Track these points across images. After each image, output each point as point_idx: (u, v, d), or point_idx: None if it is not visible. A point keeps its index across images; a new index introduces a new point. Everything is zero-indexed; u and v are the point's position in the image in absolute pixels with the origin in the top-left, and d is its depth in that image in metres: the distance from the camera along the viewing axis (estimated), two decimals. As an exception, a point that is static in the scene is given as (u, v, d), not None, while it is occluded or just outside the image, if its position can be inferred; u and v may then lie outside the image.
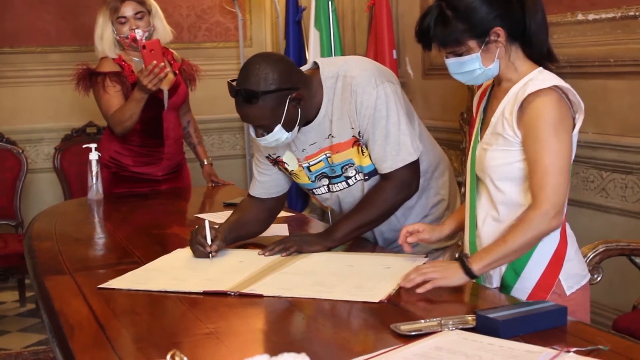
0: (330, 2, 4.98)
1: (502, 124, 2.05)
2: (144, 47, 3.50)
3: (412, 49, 4.88)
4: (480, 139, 2.15)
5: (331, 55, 4.90)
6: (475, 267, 1.99)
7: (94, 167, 3.57)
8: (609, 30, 3.48)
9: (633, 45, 3.36)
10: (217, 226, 2.51)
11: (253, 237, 2.62)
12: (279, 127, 2.32)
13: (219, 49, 5.65)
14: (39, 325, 4.57)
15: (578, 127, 2.06)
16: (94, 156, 3.58)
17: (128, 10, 3.66)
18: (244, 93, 2.27)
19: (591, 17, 3.54)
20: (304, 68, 2.48)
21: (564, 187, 1.99)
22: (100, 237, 3.02)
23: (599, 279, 2.55)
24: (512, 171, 2.06)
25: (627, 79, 3.40)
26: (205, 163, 4.03)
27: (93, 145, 3.60)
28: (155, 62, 3.47)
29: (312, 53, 5.02)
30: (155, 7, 3.78)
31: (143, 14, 3.69)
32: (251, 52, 5.56)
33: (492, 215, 2.12)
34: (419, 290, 1.97)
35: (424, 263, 2.19)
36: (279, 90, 2.28)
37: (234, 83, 2.32)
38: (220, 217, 3.06)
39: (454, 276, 2.00)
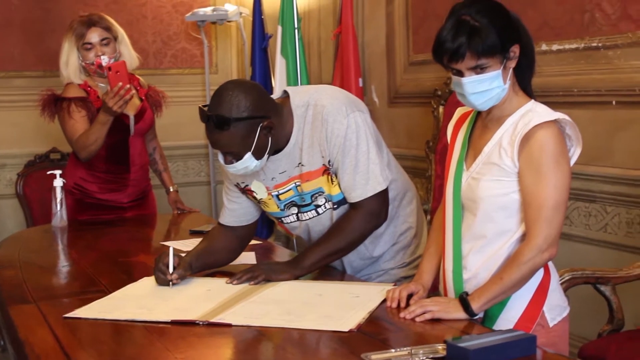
0: (296, 30, 5.00)
1: (499, 154, 2.06)
2: (109, 68, 3.48)
3: (378, 77, 4.91)
4: (467, 168, 2.15)
5: (297, 83, 4.92)
6: (475, 305, 2.01)
7: (59, 194, 3.53)
8: (572, 61, 3.53)
9: (596, 75, 3.41)
10: (183, 254, 2.49)
11: (221, 266, 2.60)
12: (248, 155, 2.32)
13: (184, 75, 5.64)
14: (3, 356, 4.49)
15: (574, 160, 2.08)
16: (58, 183, 3.54)
17: (94, 36, 3.64)
18: (215, 119, 2.26)
19: (555, 47, 3.60)
20: (274, 96, 2.49)
21: (558, 220, 2.01)
22: (65, 265, 2.98)
23: (569, 309, 2.56)
24: (506, 201, 2.07)
25: (591, 109, 3.45)
26: (171, 190, 4.00)
27: (58, 172, 3.56)
28: (120, 83, 3.45)
29: (278, 80, 5.04)
30: (122, 34, 3.77)
31: (109, 40, 3.67)
32: (217, 78, 5.61)
33: (479, 245, 2.12)
34: (418, 320, 1.99)
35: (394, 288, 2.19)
36: (251, 118, 2.28)
37: (206, 108, 2.31)
38: (186, 244, 3.05)
39: (455, 312, 2.01)
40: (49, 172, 3.60)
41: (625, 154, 3.32)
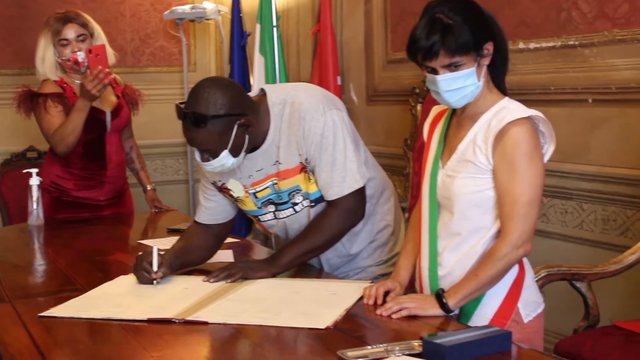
0: (275, 28, 5.00)
1: (474, 151, 2.06)
2: (89, 51, 3.46)
3: (356, 75, 4.92)
4: (442, 166, 2.16)
5: (276, 81, 4.92)
6: (451, 302, 2.01)
7: (35, 192, 3.51)
8: (549, 59, 3.55)
9: (572, 73, 3.43)
10: (162, 252, 2.49)
11: (199, 264, 2.59)
12: (225, 153, 2.31)
13: (162, 73, 5.61)
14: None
15: (548, 157, 2.09)
16: (34, 181, 3.51)
17: (70, 32, 3.62)
18: (192, 116, 2.25)
19: (532, 45, 3.62)
20: (251, 94, 2.48)
21: (532, 216, 2.01)
22: (41, 264, 2.96)
23: (544, 305, 2.58)
24: (481, 199, 2.07)
25: (567, 107, 3.47)
26: (149, 188, 3.98)
27: (34, 170, 3.54)
28: (100, 67, 3.43)
29: (257, 78, 5.03)
30: (98, 30, 3.74)
31: (85, 37, 3.65)
32: (195, 76, 5.58)
33: (455, 243, 2.13)
34: (395, 317, 2.00)
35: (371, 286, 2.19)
36: (228, 115, 2.27)
37: (182, 106, 2.30)
38: (164, 243, 3.03)
39: (431, 309, 2.02)
40: (25, 171, 3.57)
41: (601, 152, 3.35)
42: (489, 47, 2.03)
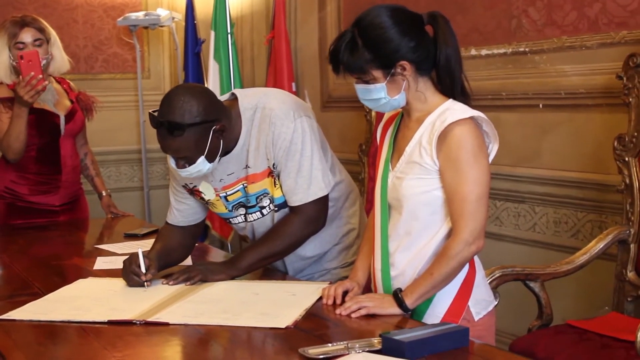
0: (229, 35, 5.02)
1: (419, 153, 2.10)
2: (21, 57, 3.43)
3: (311, 81, 4.96)
4: (392, 168, 2.20)
5: (230, 88, 4.93)
6: (408, 301, 2.04)
7: (-11, 199, 3.49)
8: (500, 65, 3.62)
9: (523, 79, 3.51)
10: (121, 257, 2.49)
11: (180, 262, 2.61)
12: (202, 159, 2.33)
13: (116, 80, 5.59)
14: None
15: (492, 156, 2.13)
16: (-12, 188, 3.49)
17: (27, 36, 3.60)
18: (167, 125, 2.26)
19: (484, 52, 3.68)
20: (222, 98, 2.49)
21: (481, 213, 2.05)
22: (-4, 269, 2.94)
23: (496, 303, 2.62)
24: (429, 199, 2.11)
25: (519, 112, 3.54)
26: (104, 194, 3.96)
27: (-12, 177, 3.51)
28: (32, 73, 3.41)
29: (212, 85, 5.04)
30: (54, 36, 3.73)
31: (42, 42, 3.63)
32: (149, 83, 5.59)
33: (406, 243, 2.16)
34: (354, 316, 2.03)
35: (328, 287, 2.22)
36: (204, 123, 2.28)
37: (156, 114, 2.30)
38: (121, 247, 3.04)
39: (389, 307, 2.05)
40: (-22, 178, 3.55)
41: (552, 155, 3.42)
42: (404, 65, 2.08)
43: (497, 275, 2.75)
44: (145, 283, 2.35)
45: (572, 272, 2.90)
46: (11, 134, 3.52)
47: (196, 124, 2.27)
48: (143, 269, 2.37)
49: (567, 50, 3.32)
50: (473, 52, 3.73)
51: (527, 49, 3.48)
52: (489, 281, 2.69)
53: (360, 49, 2.07)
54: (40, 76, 3.42)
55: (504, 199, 3.62)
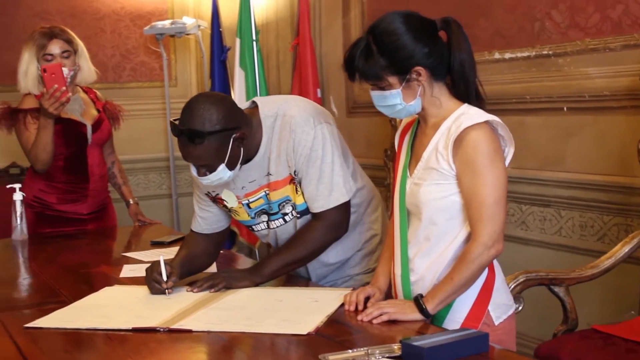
0: (254, 42, 5.06)
1: (436, 158, 2.11)
2: (44, 70, 3.48)
3: (336, 87, 4.97)
4: (410, 175, 2.21)
5: (256, 95, 4.96)
6: (430, 306, 2.05)
7: (19, 208, 3.53)
8: (524, 69, 3.62)
9: (547, 82, 3.50)
10: (145, 264, 2.52)
11: (204, 270, 2.63)
12: (222, 167, 2.35)
13: (144, 88, 5.65)
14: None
15: (509, 159, 2.14)
16: (18, 196, 3.53)
17: (55, 48, 3.65)
18: (188, 133, 2.28)
19: (507, 56, 3.68)
20: (242, 107, 2.52)
21: (500, 216, 2.06)
22: (25, 278, 2.98)
23: (520, 308, 2.62)
24: (447, 204, 2.12)
25: (543, 115, 3.53)
26: (131, 202, 4.01)
27: (17, 186, 3.56)
28: (56, 85, 3.45)
29: (237, 92, 5.08)
30: (82, 47, 3.78)
31: (70, 53, 3.68)
32: (176, 91, 5.63)
33: (425, 249, 2.17)
34: (375, 322, 2.04)
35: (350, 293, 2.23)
36: (224, 130, 2.31)
37: (177, 122, 2.33)
38: (148, 255, 3.07)
39: (411, 313, 2.06)
40: (8, 186, 3.59)
41: (577, 159, 3.41)
42: (419, 71, 2.10)
43: (521, 280, 2.74)
44: (167, 290, 2.38)
45: (597, 277, 2.88)
46: (38, 145, 3.57)
47: (216, 131, 2.29)
48: (164, 277, 2.39)
49: (590, 52, 3.31)
50: (497, 55, 3.72)
51: (550, 52, 3.48)
52: (513, 286, 2.69)
53: (376, 56, 2.09)
54: (64, 88, 3.47)
55: (530, 203, 3.61)
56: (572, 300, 2.85)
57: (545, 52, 3.50)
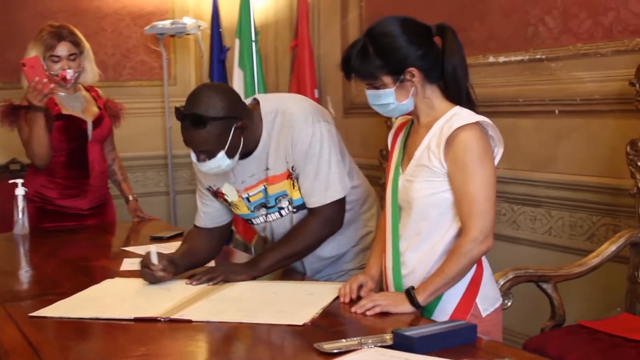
0: (254, 43, 5.11)
1: (428, 156, 2.19)
2: (23, 64, 3.53)
3: (334, 88, 5.03)
4: (402, 172, 2.29)
5: (255, 94, 5.00)
6: (421, 298, 2.13)
7: (20, 202, 3.59)
8: (518, 72, 3.69)
9: (540, 86, 3.57)
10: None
11: (205, 264, 2.70)
12: (222, 154, 2.42)
13: (143, 87, 5.70)
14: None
15: (498, 159, 2.22)
16: (20, 191, 3.59)
17: (63, 50, 3.71)
18: (192, 118, 2.36)
19: (501, 59, 3.75)
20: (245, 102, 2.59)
21: (490, 212, 2.14)
22: (27, 270, 3.04)
23: (509, 304, 2.69)
24: (438, 200, 2.20)
25: (535, 118, 3.60)
26: (131, 199, 4.07)
27: (19, 181, 3.62)
28: (37, 78, 3.50)
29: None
30: (87, 49, 3.84)
31: (76, 56, 3.74)
32: (175, 90, 5.69)
33: (415, 243, 2.24)
34: (368, 313, 2.12)
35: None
36: (227, 118, 2.39)
37: (182, 108, 2.41)
38: (147, 249, 3.11)
39: (402, 305, 2.13)
40: (10, 181, 3.65)
41: (567, 161, 3.48)
42: (413, 72, 2.18)
43: (511, 276, 2.81)
44: (157, 274, 2.46)
45: (584, 274, 2.95)
46: (32, 139, 3.63)
47: (219, 118, 2.37)
48: (155, 261, 2.46)
49: (582, 57, 3.37)
50: (491, 59, 3.79)
51: (543, 56, 3.54)
52: (502, 283, 2.76)
53: (371, 56, 2.18)
54: (45, 80, 3.52)
55: (521, 203, 3.68)
56: (560, 297, 2.92)
57: (538, 57, 3.56)
